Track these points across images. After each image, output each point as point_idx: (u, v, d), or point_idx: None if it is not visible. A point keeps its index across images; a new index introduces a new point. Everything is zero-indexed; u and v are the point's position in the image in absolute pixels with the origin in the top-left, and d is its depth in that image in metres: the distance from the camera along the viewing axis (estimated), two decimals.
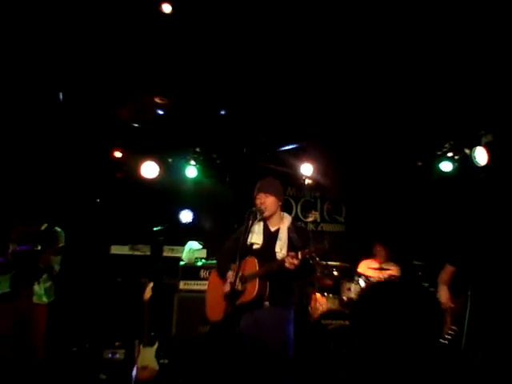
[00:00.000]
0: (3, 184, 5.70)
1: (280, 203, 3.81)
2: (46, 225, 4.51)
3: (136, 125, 6.55)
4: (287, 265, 3.36)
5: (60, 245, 4.46)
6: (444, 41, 4.71)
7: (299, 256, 3.34)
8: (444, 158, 6.41)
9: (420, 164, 6.81)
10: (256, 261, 3.57)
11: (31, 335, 4.30)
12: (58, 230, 4.54)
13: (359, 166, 7.10)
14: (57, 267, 4.44)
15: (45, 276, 4.37)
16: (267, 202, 3.72)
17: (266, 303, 3.56)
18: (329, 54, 5.09)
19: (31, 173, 5.86)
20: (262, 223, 3.76)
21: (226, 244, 3.93)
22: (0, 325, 4.20)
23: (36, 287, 4.33)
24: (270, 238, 3.70)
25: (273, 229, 3.75)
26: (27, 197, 4.66)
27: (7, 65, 5.15)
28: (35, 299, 4.33)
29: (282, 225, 3.74)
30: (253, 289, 3.49)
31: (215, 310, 3.69)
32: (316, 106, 6.00)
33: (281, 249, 3.61)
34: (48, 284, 4.42)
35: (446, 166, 6.39)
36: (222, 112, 6.38)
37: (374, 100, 5.77)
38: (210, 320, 3.82)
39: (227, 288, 3.57)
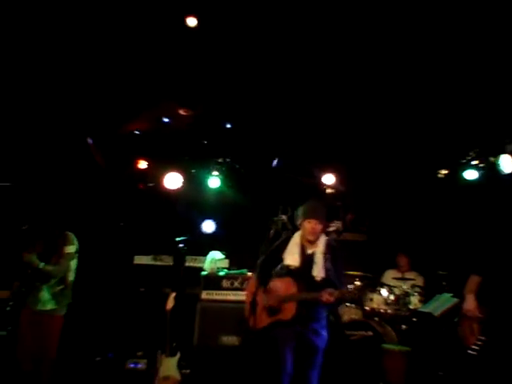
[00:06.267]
0: (28, 194, 5.85)
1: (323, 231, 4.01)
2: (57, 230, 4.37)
3: (156, 136, 6.65)
4: (324, 299, 3.62)
5: (70, 248, 4.32)
6: (468, 49, 4.67)
7: (335, 295, 3.61)
8: (469, 166, 6.31)
9: (445, 172, 6.72)
10: (294, 282, 3.77)
11: (44, 346, 4.16)
12: (69, 233, 4.39)
13: (382, 175, 7.04)
14: (60, 270, 4.23)
15: (53, 281, 4.22)
16: (317, 229, 3.90)
17: (303, 321, 3.74)
18: (344, 68, 5.11)
19: (55, 184, 5.98)
20: (298, 244, 3.92)
21: (262, 255, 4.04)
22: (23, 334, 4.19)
23: (41, 294, 4.19)
24: (307, 261, 3.86)
25: (309, 251, 3.90)
26: (50, 208, 4.57)
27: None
28: (39, 306, 4.17)
29: (318, 248, 3.89)
30: (291, 310, 3.73)
31: (255, 318, 3.82)
32: (337, 116, 6.00)
33: (318, 273, 3.79)
34: (57, 289, 4.25)
35: (471, 175, 6.29)
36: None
37: (398, 109, 5.75)
38: (250, 327, 3.88)
39: (266, 304, 3.83)
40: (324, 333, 3.83)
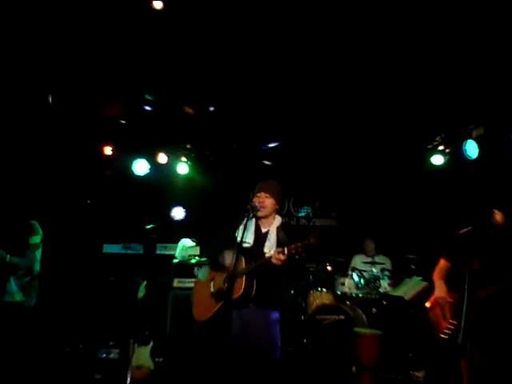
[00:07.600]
0: None
1: (277, 207, 3.83)
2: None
3: (124, 122, 6.48)
4: (274, 260, 3.37)
5: (35, 239, 4.27)
6: (432, 37, 4.70)
7: (285, 251, 3.34)
8: (435, 151, 6.42)
9: (411, 158, 6.82)
10: (244, 259, 3.56)
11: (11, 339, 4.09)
12: (33, 222, 4.32)
13: (350, 161, 7.11)
14: (27, 261, 4.19)
15: (19, 272, 4.17)
16: (266, 202, 3.74)
17: (251, 304, 3.56)
18: (312, 53, 5.08)
19: (21, 172, 5.78)
20: (254, 223, 3.75)
21: (214, 239, 3.93)
22: None
23: (8, 285, 4.14)
24: (260, 238, 3.72)
25: (264, 230, 3.77)
26: (16, 196, 4.52)
27: None
28: (8, 298, 4.13)
29: (272, 226, 3.76)
30: (240, 286, 3.49)
31: (202, 309, 3.70)
32: (305, 100, 5.98)
33: (269, 250, 3.62)
34: (25, 280, 4.20)
35: (438, 160, 6.40)
36: (212, 108, 6.34)
37: (363, 95, 5.77)
38: (196, 320, 3.81)
39: (214, 286, 3.63)
40: (276, 330, 3.58)
